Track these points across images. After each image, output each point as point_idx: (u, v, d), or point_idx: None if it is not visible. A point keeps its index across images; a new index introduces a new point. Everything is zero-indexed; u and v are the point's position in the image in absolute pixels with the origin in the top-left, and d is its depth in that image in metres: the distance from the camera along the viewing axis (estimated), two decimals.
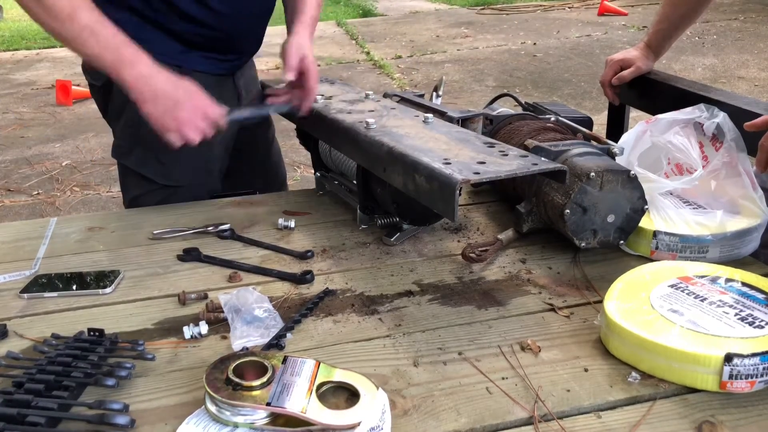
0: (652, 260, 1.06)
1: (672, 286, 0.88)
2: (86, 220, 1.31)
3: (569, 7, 8.13)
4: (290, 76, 1.13)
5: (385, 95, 1.38)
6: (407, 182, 1.01)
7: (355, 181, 1.24)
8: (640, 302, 0.85)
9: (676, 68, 5.15)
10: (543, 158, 0.99)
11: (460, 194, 1.07)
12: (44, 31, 1.14)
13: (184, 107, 1.14)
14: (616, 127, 1.50)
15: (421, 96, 1.37)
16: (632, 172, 1.04)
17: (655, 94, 1.36)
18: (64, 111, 4.78)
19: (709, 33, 6.27)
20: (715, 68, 5.17)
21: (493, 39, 6.64)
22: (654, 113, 1.27)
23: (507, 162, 0.96)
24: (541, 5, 8.28)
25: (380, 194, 1.18)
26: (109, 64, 1.11)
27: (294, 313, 0.95)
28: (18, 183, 3.46)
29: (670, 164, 1.25)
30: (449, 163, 0.95)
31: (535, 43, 6.36)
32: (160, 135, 1.15)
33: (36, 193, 3.32)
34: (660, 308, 0.83)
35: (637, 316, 0.82)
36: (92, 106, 5.09)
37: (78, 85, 5.16)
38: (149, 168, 1.38)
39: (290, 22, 1.28)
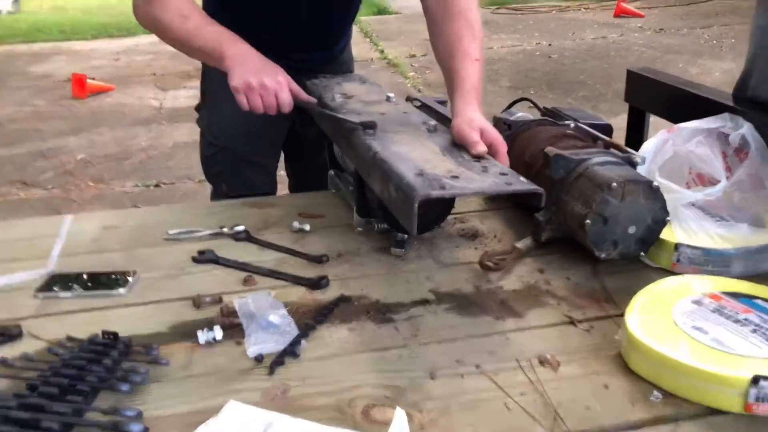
0: (673, 273, 1.04)
1: (695, 302, 0.86)
2: (101, 218, 1.31)
3: (585, 8, 8.07)
4: (482, 149, 1.02)
5: (408, 99, 1.37)
6: (383, 190, 0.99)
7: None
8: (663, 318, 0.84)
9: (693, 72, 5.10)
10: (523, 179, 0.95)
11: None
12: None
13: (263, 77, 1.20)
14: (636, 134, 1.48)
15: (444, 102, 1.35)
16: (654, 183, 1.02)
17: (678, 101, 1.34)
18: (79, 104, 4.81)
19: (728, 36, 6.21)
20: (733, 73, 5.08)
21: (508, 39, 6.60)
22: (676, 121, 1.25)
23: (481, 179, 0.93)
24: (556, 6, 8.22)
25: (371, 199, 1.17)
26: (213, 47, 1.23)
27: (309, 319, 0.94)
28: (33, 176, 3.48)
29: (691, 174, 1.23)
30: (421, 175, 0.92)
31: (550, 44, 6.32)
32: (234, 94, 1.22)
33: (51, 187, 3.33)
34: (683, 325, 0.81)
35: (659, 332, 0.81)
36: (107, 100, 5.15)
37: (93, 79, 5.19)
38: (203, 121, 1.55)
39: (452, 96, 1.17)
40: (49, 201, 3.16)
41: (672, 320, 0.83)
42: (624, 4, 7.51)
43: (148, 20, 1.27)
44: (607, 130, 1.37)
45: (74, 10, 9.24)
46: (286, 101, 1.22)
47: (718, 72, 5.12)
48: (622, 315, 0.94)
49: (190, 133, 1.49)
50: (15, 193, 3.22)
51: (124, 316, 0.97)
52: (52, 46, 6.92)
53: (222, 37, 1.24)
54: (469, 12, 1.24)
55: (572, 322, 0.94)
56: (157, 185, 3.39)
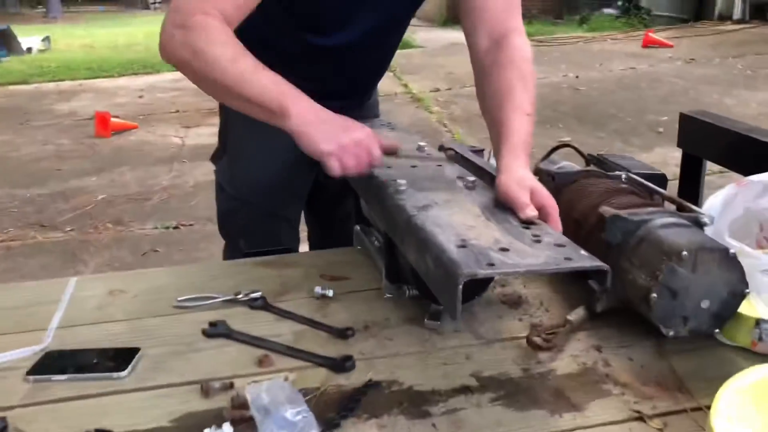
0: (753, 353, 0.90)
1: None
2: (107, 282, 1.20)
3: (612, 39, 7.97)
4: (532, 213, 0.90)
5: (441, 148, 1.25)
6: (419, 261, 0.86)
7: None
8: (759, 422, 0.69)
9: (729, 103, 4.94)
10: (583, 252, 0.81)
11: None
12: (199, 87, 1.11)
13: (354, 134, 1.05)
14: (691, 184, 1.34)
15: (480, 152, 1.23)
16: (732, 251, 0.88)
17: (742, 149, 1.21)
18: (102, 143, 4.80)
19: (762, 66, 6.04)
20: None
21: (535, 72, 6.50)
22: (740, 171, 1.12)
23: (534, 252, 0.79)
24: (582, 36, 8.14)
25: (402, 264, 1.05)
26: (270, 99, 1.04)
27: (332, 412, 0.82)
28: (52, 218, 3.43)
29: (763, 232, 1.09)
30: (464, 247, 0.80)
31: (577, 76, 6.20)
32: (324, 159, 1.04)
33: (69, 229, 3.27)
34: None
35: None
36: (130, 138, 5.12)
37: (117, 117, 5.19)
38: (223, 174, 1.43)
39: (498, 149, 1.06)
40: (66, 245, 3.09)
41: None
42: (652, 34, 7.39)
43: (186, 53, 1.05)
44: (662, 180, 1.24)
45: (102, 48, 9.40)
46: (378, 155, 1.06)
47: (755, 103, 4.95)
48: (699, 409, 0.80)
49: (212, 171, 1.42)
50: (32, 236, 3.16)
51: (124, 406, 0.86)
52: (78, 84, 7.00)
53: (282, 89, 1.05)
54: (523, 63, 1.13)
55: (641, 418, 0.80)
56: (176, 227, 3.31)
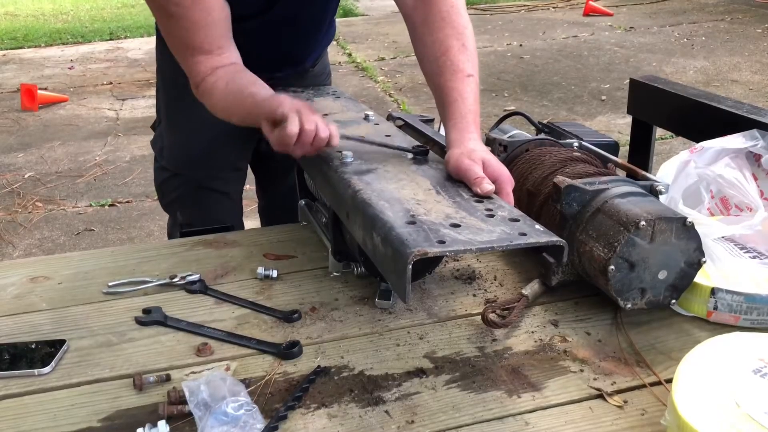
0: (709, 323, 0.89)
1: (757, 371, 0.70)
2: (29, 268, 1.11)
3: (553, 7, 7.98)
4: (488, 188, 0.84)
5: (389, 117, 1.19)
6: (366, 239, 0.81)
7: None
8: (721, 396, 0.67)
9: (668, 71, 5.02)
10: (539, 226, 0.77)
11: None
12: None
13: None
14: (642, 150, 1.32)
15: (430, 121, 1.17)
16: (689, 220, 0.86)
17: (692, 115, 1.19)
18: (29, 117, 4.52)
19: (698, 34, 6.16)
20: (706, 71, 5.04)
21: (478, 40, 6.43)
22: (691, 138, 1.10)
23: (487, 228, 0.75)
24: (524, 5, 8.13)
25: (349, 241, 0.99)
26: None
27: (278, 403, 0.76)
28: None
29: (714, 199, 1.08)
30: (414, 223, 0.75)
31: (521, 45, 6.19)
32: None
33: None
34: (750, 409, 0.65)
35: (720, 419, 0.64)
36: (59, 112, 4.81)
37: (45, 89, 4.90)
38: (155, 144, 1.39)
39: (445, 120, 0.99)
40: None
41: (733, 400, 0.66)
42: (593, 3, 7.43)
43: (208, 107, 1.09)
44: (614, 148, 1.21)
45: (26, 17, 8.85)
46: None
47: (692, 71, 5.05)
48: (659, 383, 0.78)
49: (149, 145, 1.35)
50: None
51: (47, 405, 0.78)
52: (1, 55, 6.58)
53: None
54: (453, 14, 1.04)
55: (601, 395, 0.77)
56: (112, 204, 3.15)
